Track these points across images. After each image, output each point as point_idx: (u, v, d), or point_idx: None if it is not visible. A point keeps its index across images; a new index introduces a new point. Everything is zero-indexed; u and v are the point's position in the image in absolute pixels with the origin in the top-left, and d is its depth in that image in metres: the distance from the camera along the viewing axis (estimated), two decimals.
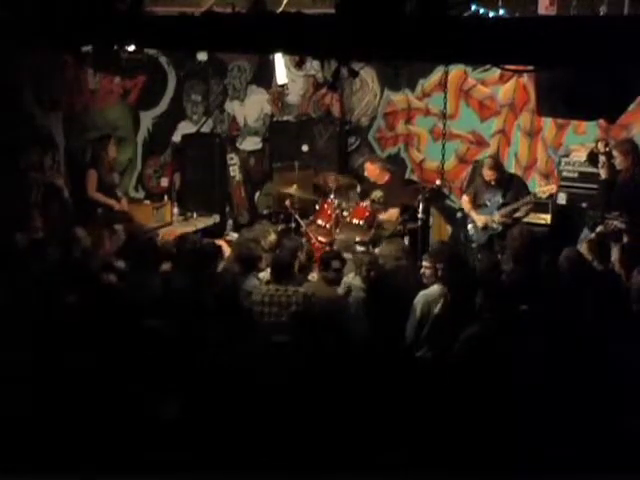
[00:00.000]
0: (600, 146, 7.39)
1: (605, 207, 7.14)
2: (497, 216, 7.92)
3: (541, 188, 8.00)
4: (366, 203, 8.58)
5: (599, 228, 7.00)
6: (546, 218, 8.28)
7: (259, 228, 8.06)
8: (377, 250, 7.64)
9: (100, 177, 8.56)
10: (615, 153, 7.35)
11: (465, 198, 8.38)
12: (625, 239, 6.68)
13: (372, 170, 8.88)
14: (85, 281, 5.75)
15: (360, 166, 9.64)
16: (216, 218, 9.78)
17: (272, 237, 7.46)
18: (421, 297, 5.92)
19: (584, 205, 7.71)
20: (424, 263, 6.34)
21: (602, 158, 7.46)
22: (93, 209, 8.44)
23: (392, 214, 8.60)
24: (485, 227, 8.02)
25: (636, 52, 3.86)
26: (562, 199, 8.26)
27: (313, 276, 6.98)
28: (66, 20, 5.14)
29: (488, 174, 8.00)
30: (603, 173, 7.47)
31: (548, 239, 7.76)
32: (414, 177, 9.74)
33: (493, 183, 8.00)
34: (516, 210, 7.93)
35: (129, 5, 5.18)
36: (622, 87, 4.37)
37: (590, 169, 8.08)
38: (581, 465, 3.88)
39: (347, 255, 7.22)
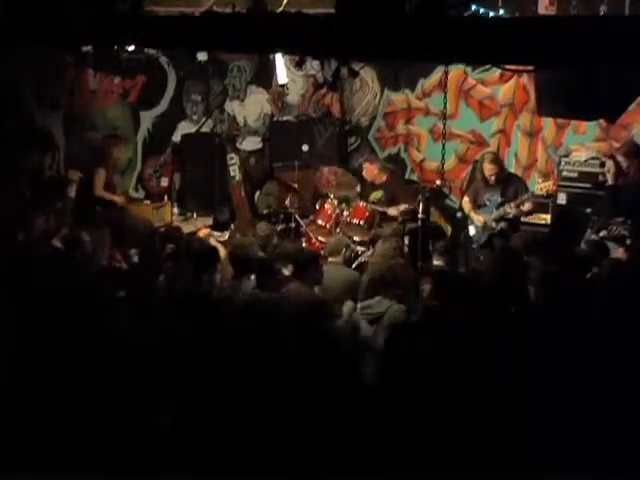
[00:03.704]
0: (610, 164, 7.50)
1: (610, 214, 7.14)
2: (495, 214, 7.92)
3: (539, 185, 7.99)
4: (366, 203, 8.59)
5: (602, 233, 7.00)
6: (546, 218, 8.28)
7: (261, 228, 8.00)
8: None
9: (107, 176, 8.60)
10: (619, 157, 7.40)
11: (466, 199, 8.39)
12: (628, 242, 6.69)
13: (371, 170, 8.88)
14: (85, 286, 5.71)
15: (360, 166, 9.64)
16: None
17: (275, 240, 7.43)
18: None
19: (588, 210, 7.70)
20: (435, 262, 6.38)
21: (609, 163, 7.52)
22: (93, 208, 8.45)
23: (399, 208, 8.62)
24: (485, 227, 8.02)
25: (636, 52, 3.86)
26: (562, 199, 8.27)
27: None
28: (66, 20, 5.15)
29: (489, 168, 7.99)
30: (610, 178, 7.52)
31: (549, 239, 7.76)
32: (414, 177, 9.74)
33: (493, 179, 7.98)
34: (517, 207, 7.90)
35: (129, 5, 5.18)
36: (622, 87, 4.37)
37: (590, 169, 8.10)
38: (580, 465, 3.89)
39: (333, 259, 7.16)
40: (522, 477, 3.88)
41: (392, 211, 8.59)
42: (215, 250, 6.74)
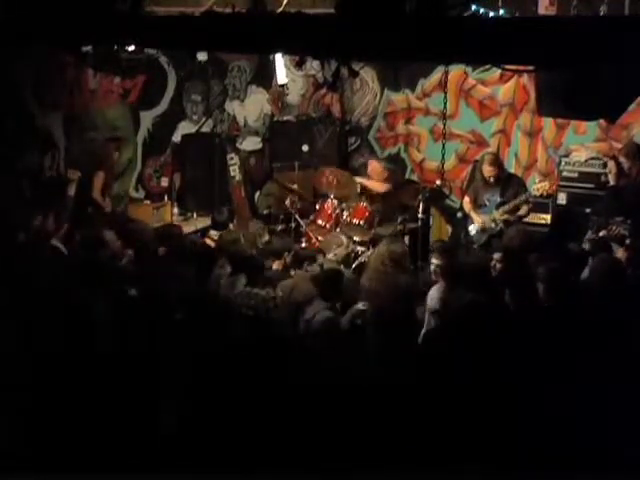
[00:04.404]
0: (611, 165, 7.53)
1: (609, 214, 7.14)
2: (495, 215, 7.92)
3: (535, 185, 7.99)
4: (366, 203, 8.59)
5: (602, 232, 7.01)
6: (546, 218, 8.28)
7: (252, 226, 8.02)
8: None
9: (106, 179, 8.63)
10: (621, 158, 7.41)
11: (466, 198, 8.38)
12: (628, 242, 6.71)
13: (376, 168, 8.88)
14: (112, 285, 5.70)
15: (361, 166, 9.65)
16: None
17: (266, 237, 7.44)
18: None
19: (587, 210, 7.70)
20: (433, 261, 6.40)
21: (610, 164, 7.53)
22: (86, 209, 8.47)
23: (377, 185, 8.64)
24: (484, 227, 8.02)
25: (636, 52, 3.86)
26: (562, 199, 8.27)
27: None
28: (66, 20, 5.14)
29: (488, 170, 7.98)
30: (611, 179, 7.54)
31: (549, 239, 7.76)
32: (414, 177, 9.74)
33: (492, 180, 7.98)
34: (514, 209, 7.91)
35: (129, 5, 5.18)
36: (622, 87, 4.37)
37: (590, 169, 8.10)
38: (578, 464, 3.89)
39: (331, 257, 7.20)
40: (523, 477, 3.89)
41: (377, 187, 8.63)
42: (213, 250, 6.75)
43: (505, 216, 7.85)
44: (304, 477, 3.95)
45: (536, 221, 8.24)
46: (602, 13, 5.99)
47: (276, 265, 6.57)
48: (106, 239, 6.71)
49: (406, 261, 6.81)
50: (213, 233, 9.15)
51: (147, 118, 10.24)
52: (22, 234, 7.01)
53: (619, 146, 7.95)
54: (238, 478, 3.99)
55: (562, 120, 8.48)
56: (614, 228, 6.89)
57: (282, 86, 9.22)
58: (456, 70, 8.92)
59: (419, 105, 9.65)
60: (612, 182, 7.61)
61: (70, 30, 5.26)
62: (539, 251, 6.29)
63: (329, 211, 8.61)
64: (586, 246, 6.65)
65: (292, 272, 6.75)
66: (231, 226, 9.64)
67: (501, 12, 5.73)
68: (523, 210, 7.93)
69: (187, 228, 9.13)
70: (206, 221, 9.69)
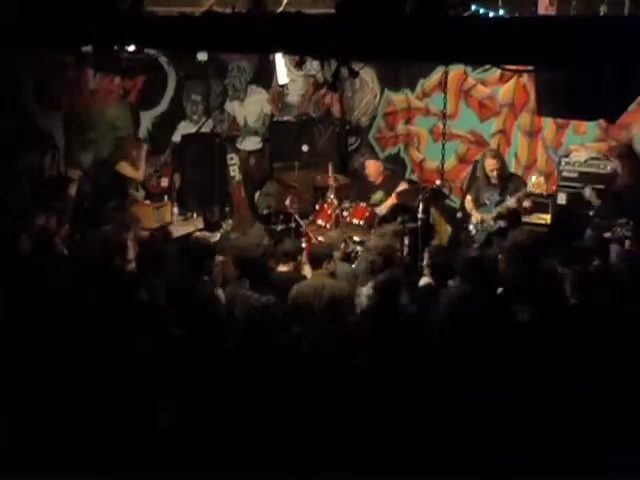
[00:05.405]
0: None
1: (613, 216, 7.15)
2: (494, 213, 7.92)
3: (531, 182, 7.98)
4: (366, 203, 8.59)
5: (607, 234, 7.01)
6: (546, 218, 8.28)
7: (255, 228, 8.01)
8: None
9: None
10: (613, 159, 7.44)
11: (468, 197, 8.40)
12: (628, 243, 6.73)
13: (374, 167, 8.87)
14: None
15: (361, 165, 9.64)
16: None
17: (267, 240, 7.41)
18: None
19: (591, 213, 7.70)
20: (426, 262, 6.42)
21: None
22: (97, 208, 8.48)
23: (387, 204, 8.60)
24: (482, 225, 8.02)
25: (636, 52, 3.87)
26: (562, 199, 8.26)
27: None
28: (66, 20, 5.14)
29: (490, 163, 7.99)
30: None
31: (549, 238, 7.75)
32: (414, 177, 9.74)
33: (495, 174, 7.98)
34: (517, 206, 7.90)
35: (129, 5, 5.18)
36: (622, 87, 4.37)
37: (590, 169, 8.11)
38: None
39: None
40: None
41: (381, 210, 8.59)
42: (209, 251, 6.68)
43: (500, 210, 7.87)
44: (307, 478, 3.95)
45: (536, 221, 8.24)
46: (602, 13, 5.99)
47: (285, 267, 6.53)
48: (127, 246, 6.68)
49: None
50: (207, 235, 9.13)
51: (147, 118, 10.25)
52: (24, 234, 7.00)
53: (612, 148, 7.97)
54: (238, 478, 4.00)
55: (562, 120, 8.48)
56: (618, 230, 6.90)
57: (282, 86, 9.22)
58: (456, 70, 8.92)
59: (419, 105, 9.65)
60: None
61: (70, 30, 5.26)
62: (545, 250, 6.30)
63: (329, 211, 8.61)
64: (589, 244, 6.66)
65: (307, 272, 6.72)
66: (224, 225, 9.64)
67: (501, 12, 5.73)
68: (527, 202, 7.90)
69: (187, 228, 9.14)
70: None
